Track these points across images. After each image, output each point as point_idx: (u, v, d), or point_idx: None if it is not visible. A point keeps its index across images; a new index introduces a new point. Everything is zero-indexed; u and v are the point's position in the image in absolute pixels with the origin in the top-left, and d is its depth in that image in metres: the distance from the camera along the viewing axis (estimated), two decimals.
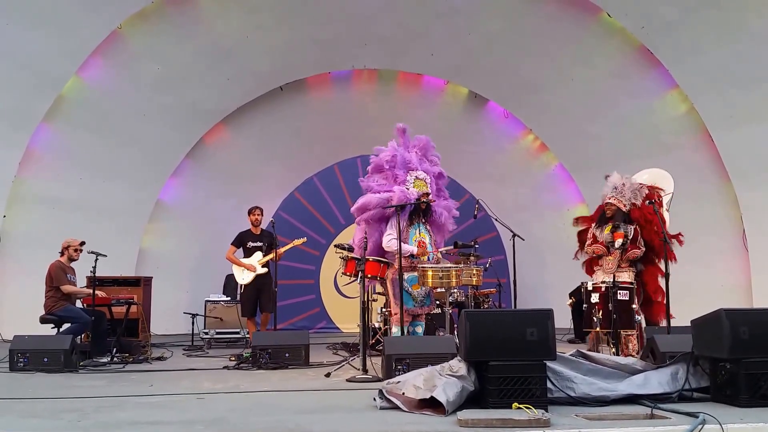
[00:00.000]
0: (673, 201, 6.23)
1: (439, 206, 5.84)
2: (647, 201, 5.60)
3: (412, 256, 5.47)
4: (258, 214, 6.73)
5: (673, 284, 5.45)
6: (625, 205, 5.61)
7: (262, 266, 6.59)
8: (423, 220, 5.66)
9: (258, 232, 6.74)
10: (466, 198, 9.27)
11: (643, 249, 5.56)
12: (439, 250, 5.96)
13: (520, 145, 10.10)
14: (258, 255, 6.62)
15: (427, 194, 5.60)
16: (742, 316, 3.38)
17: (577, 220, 6.27)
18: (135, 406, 3.60)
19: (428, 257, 5.56)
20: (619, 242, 5.47)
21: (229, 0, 8.00)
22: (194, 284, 9.37)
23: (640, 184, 5.79)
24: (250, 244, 6.68)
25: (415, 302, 5.44)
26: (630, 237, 5.52)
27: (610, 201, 5.63)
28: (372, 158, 5.86)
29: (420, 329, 5.60)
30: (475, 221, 6.82)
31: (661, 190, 5.88)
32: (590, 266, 5.92)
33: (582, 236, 6.02)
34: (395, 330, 5.49)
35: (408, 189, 5.57)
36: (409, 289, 5.41)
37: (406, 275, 5.26)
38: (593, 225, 5.76)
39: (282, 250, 6.58)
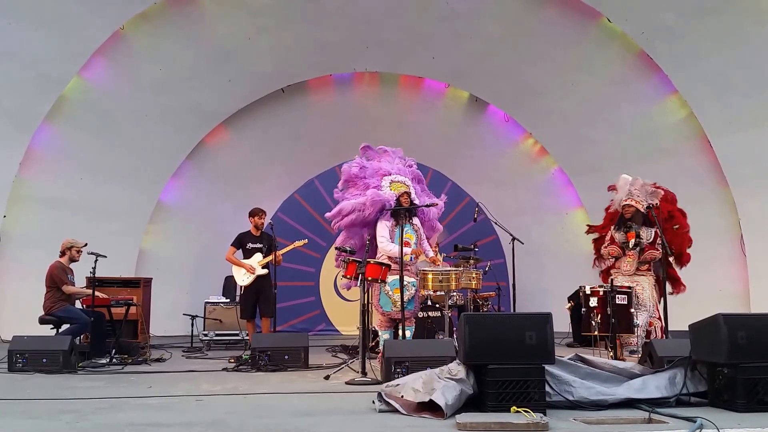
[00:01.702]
0: None
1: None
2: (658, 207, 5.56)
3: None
4: (263, 218, 6.70)
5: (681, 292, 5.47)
6: (643, 206, 5.50)
7: (262, 267, 6.58)
8: (409, 220, 5.67)
9: (258, 234, 6.73)
10: (466, 201, 9.29)
11: (661, 251, 5.38)
12: (439, 256, 5.97)
13: (520, 149, 10.12)
14: (258, 256, 6.60)
15: (408, 194, 5.62)
16: (739, 321, 3.40)
17: (590, 229, 6.15)
18: (133, 408, 3.61)
19: (410, 257, 5.55)
20: (631, 242, 5.37)
21: (231, 2, 8.02)
22: (194, 285, 9.36)
23: (653, 184, 5.71)
24: (250, 245, 6.65)
25: (395, 306, 5.36)
26: (647, 238, 5.39)
27: (627, 203, 5.52)
28: (343, 171, 5.92)
29: (408, 333, 5.58)
30: (474, 224, 6.84)
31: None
32: (607, 274, 5.77)
33: (598, 243, 5.92)
34: (380, 333, 5.50)
35: (384, 192, 5.61)
36: (390, 292, 5.37)
37: (390, 278, 5.25)
38: (612, 227, 5.65)
39: (282, 251, 6.58)
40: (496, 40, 8.52)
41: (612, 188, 5.88)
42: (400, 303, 5.27)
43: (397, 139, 6.45)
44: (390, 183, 5.75)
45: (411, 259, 5.52)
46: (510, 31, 8.35)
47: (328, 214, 5.87)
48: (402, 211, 5.52)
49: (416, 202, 5.72)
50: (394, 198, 5.58)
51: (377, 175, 5.83)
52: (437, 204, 5.83)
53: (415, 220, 5.69)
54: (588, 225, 6.30)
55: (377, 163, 5.94)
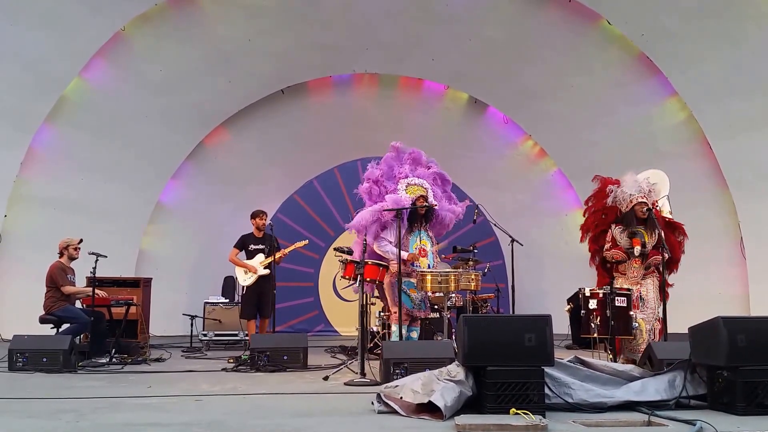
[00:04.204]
0: (672, 209, 6.22)
1: (443, 209, 5.82)
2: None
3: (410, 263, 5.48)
4: (265, 219, 6.74)
5: (671, 292, 5.45)
6: (651, 207, 5.26)
7: (264, 268, 6.61)
8: (424, 227, 5.65)
9: (260, 235, 6.77)
10: (465, 203, 9.28)
11: (667, 255, 5.17)
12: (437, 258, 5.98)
13: (519, 150, 10.13)
14: (260, 257, 6.65)
15: (424, 198, 5.59)
16: (739, 324, 3.39)
17: (583, 235, 5.66)
18: (132, 408, 3.61)
19: (428, 264, 5.56)
20: (637, 249, 5.13)
21: (231, 4, 8.03)
22: (193, 286, 9.37)
23: (656, 184, 5.49)
24: (252, 246, 6.71)
25: (414, 304, 5.46)
26: (652, 242, 5.18)
27: (643, 200, 5.22)
28: (366, 173, 5.89)
29: (415, 334, 5.59)
30: (473, 226, 6.84)
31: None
32: (603, 272, 5.52)
33: (597, 242, 5.51)
34: (395, 328, 5.50)
35: (400, 196, 5.58)
36: (407, 291, 5.42)
37: (403, 280, 5.26)
38: (612, 226, 5.36)
39: (284, 252, 6.62)
40: (496, 42, 8.53)
41: (605, 180, 5.55)
42: (416, 301, 5.42)
43: (396, 140, 6.46)
44: (406, 186, 5.68)
45: (429, 266, 5.53)
46: (509, 33, 8.36)
47: (348, 226, 5.80)
48: (417, 217, 5.50)
49: (435, 205, 5.66)
50: (410, 201, 5.52)
51: (395, 178, 5.79)
52: (437, 205, 5.79)
53: (429, 227, 5.69)
54: (581, 228, 5.75)
55: (398, 166, 5.88)
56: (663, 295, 5.15)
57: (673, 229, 5.51)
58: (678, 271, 5.49)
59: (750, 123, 7.44)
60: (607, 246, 5.38)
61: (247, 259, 6.70)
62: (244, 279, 6.61)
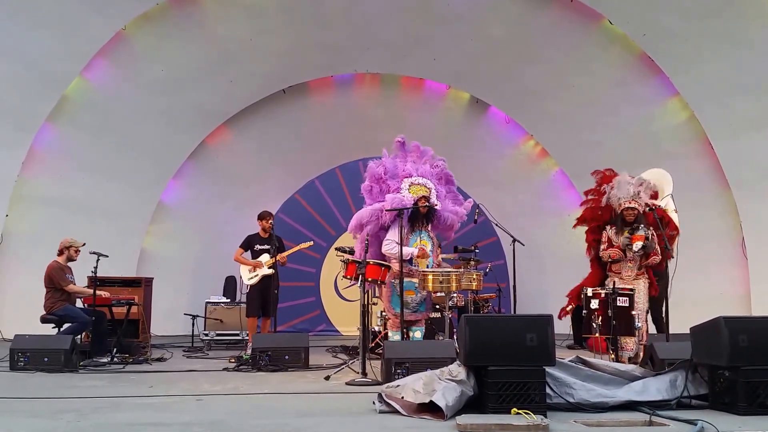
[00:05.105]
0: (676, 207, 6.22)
1: (446, 210, 5.81)
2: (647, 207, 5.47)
3: (410, 261, 5.46)
4: (271, 221, 6.74)
5: (672, 292, 5.45)
6: (643, 209, 5.37)
7: (269, 267, 6.62)
8: (426, 227, 5.64)
9: (266, 236, 6.78)
10: (468, 202, 9.29)
11: (660, 256, 5.30)
12: (440, 257, 5.97)
13: (520, 150, 10.12)
14: (265, 257, 6.66)
15: (426, 198, 5.57)
16: (741, 325, 3.40)
17: (578, 223, 5.93)
18: (134, 407, 3.61)
19: (428, 264, 5.55)
20: (638, 245, 5.20)
21: (233, 4, 8.03)
22: (195, 285, 9.38)
23: (649, 182, 5.58)
24: (258, 246, 6.73)
25: (407, 308, 5.39)
26: (651, 240, 5.26)
27: (631, 205, 5.35)
28: (368, 169, 5.87)
29: (419, 334, 5.59)
30: (475, 226, 6.85)
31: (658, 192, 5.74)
32: (597, 268, 5.62)
33: (593, 235, 5.66)
34: (390, 334, 5.50)
35: (403, 195, 5.56)
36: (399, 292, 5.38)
37: (404, 280, 5.25)
38: (607, 227, 5.48)
39: (287, 253, 6.63)
40: (498, 42, 8.52)
41: (601, 176, 5.66)
42: (411, 305, 5.37)
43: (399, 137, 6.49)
44: (409, 185, 5.64)
45: (429, 265, 5.49)
46: (511, 32, 8.35)
47: (349, 228, 5.80)
48: (419, 217, 5.49)
49: (437, 205, 5.64)
50: (412, 201, 5.50)
51: (399, 177, 5.75)
52: (438, 205, 5.77)
53: (431, 227, 5.67)
54: (577, 219, 5.98)
55: (401, 164, 5.83)
56: (666, 293, 5.17)
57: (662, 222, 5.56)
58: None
59: (752, 123, 7.44)
60: (603, 246, 5.47)
61: (253, 259, 6.72)
62: (249, 278, 6.62)
